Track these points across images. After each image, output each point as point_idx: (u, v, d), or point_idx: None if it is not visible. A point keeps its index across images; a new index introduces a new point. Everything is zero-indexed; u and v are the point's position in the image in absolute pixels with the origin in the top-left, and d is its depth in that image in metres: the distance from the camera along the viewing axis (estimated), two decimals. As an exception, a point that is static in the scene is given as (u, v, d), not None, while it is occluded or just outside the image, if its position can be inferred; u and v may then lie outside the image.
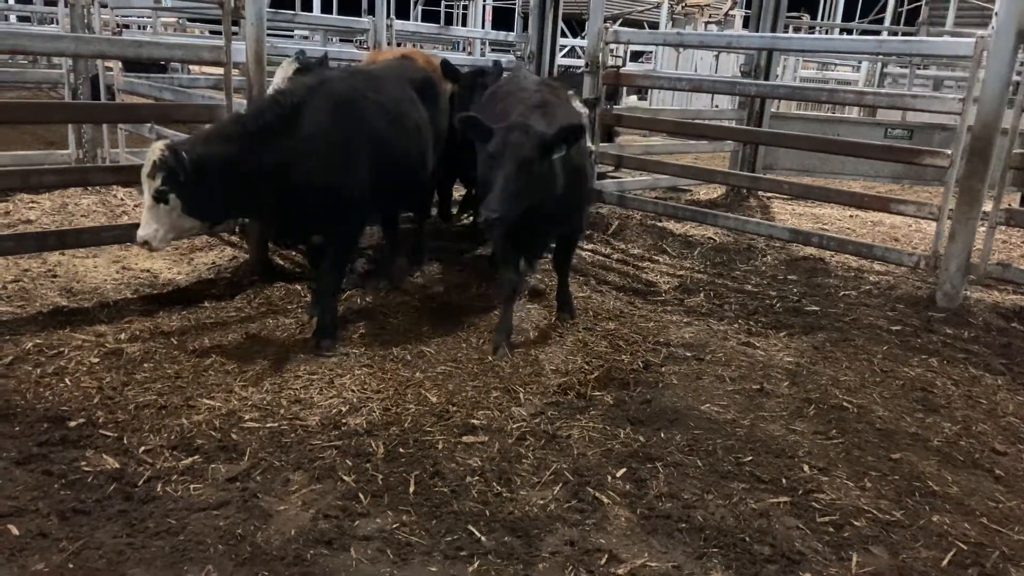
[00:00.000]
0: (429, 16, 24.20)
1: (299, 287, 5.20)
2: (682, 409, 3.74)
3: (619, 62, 7.63)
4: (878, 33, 18.24)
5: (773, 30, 8.69)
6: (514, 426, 3.53)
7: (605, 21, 6.91)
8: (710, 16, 15.44)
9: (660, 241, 7.03)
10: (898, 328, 5.00)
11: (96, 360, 3.97)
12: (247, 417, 3.51)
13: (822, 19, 21.63)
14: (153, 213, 3.88)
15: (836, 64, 16.67)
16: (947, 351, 4.65)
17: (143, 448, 3.21)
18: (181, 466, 3.10)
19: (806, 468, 3.18)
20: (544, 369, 4.18)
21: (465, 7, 21.18)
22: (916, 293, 5.69)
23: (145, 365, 3.97)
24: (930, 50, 6.68)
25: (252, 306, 4.88)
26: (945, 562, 2.62)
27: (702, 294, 5.64)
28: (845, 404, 3.81)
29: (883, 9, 24.60)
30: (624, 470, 3.17)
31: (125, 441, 3.26)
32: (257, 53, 4.99)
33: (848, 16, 22.79)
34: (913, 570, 2.57)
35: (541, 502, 2.95)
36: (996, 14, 5.27)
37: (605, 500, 2.97)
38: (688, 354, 4.48)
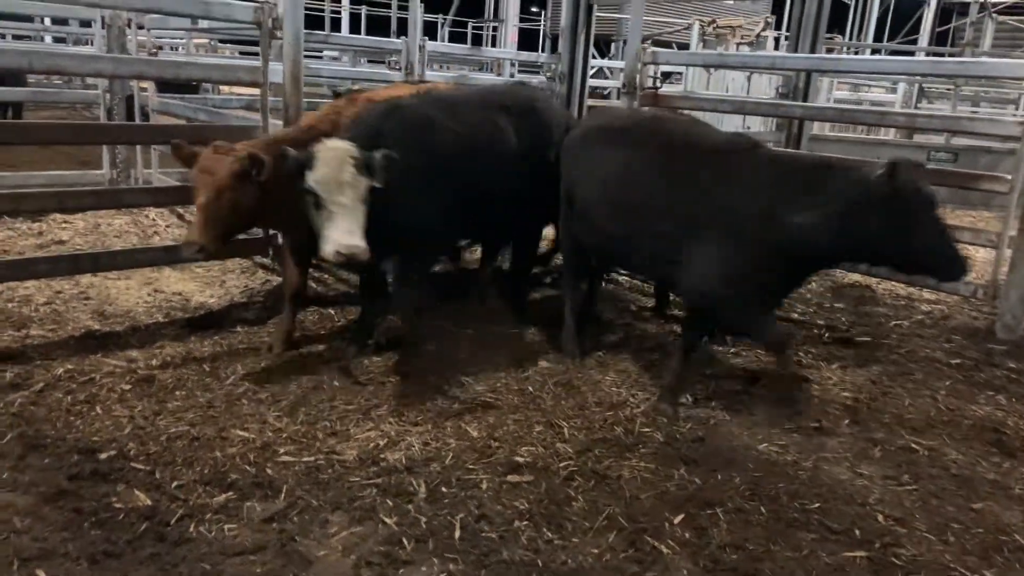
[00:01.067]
0: (456, 38, 24.31)
1: (332, 311, 5.07)
2: (738, 448, 3.54)
3: (653, 83, 7.50)
4: (911, 54, 17.98)
5: (812, 51, 8.51)
6: (561, 465, 3.34)
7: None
8: (742, 37, 15.24)
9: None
10: (958, 361, 4.75)
11: (128, 387, 3.85)
12: (282, 451, 3.37)
13: (849, 39, 21.39)
14: (355, 217, 3.63)
15: (870, 85, 16.41)
16: (1014, 387, 4.40)
17: (175, 483, 3.07)
18: (215, 503, 2.96)
19: (880, 518, 2.96)
20: (587, 401, 4.00)
21: (494, 29, 21.22)
22: (973, 324, 5.44)
23: (177, 393, 3.85)
24: (989, 72, 6.45)
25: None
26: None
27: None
28: (913, 446, 3.58)
29: (913, 30, 24.34)
30: (682, 516, 2.97)
31: (157, 475, 3.12)
32: (294, 74, 4.90)
33: (878, 37, 22.52)
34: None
35: (596, 551, 2.76)
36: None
37: (664, 550, 2.77)
38: (738, 387, 4.28)
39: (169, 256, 4.93)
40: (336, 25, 22.05)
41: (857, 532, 2.85)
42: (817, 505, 3.04)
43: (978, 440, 3.70)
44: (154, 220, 7.15)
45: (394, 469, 3.26)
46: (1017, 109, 13.41)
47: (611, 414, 3.86)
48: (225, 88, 12.24)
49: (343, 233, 3.56)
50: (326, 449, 3.40)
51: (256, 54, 4.97)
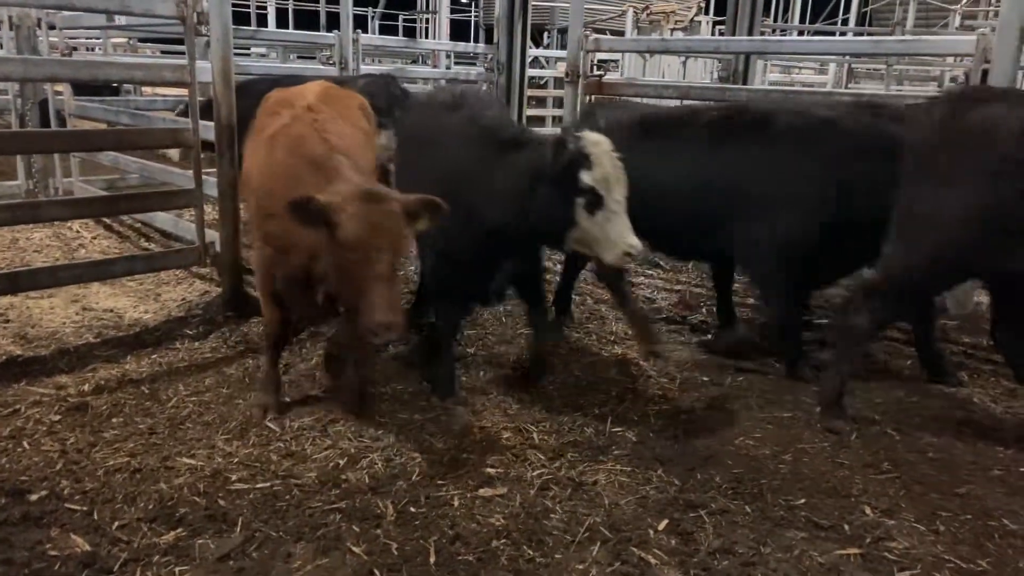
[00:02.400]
0: (386, 30, 23.84)
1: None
2: (714, 444, 3.44)
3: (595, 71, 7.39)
4: (836, 34, 18.37)
5: (749, 34, 8.53)
6: (534, 474, 3.18)
7: (564, 32, 6.65)
8: (675, 23, 15.32)
9: (651, 254, 6.75)
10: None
11: (58, 418, 3.53)
12: (234, 477, 3.12)
13: (774, 21, 21.75)
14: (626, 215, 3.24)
15: (800, 67, 16.69)
16: (972, 363, 4.44)
17: (117, 523, 2.80)
18: (163, 543, 2.70)
19: (868, 510, 2.88)
20: (555, 403, 3.85)
21: (426, 20, 20.84)
22: (924, 300, 5.47)
23: (114, 420, 3.55)
24: (931, 49, 6.54)
25: (229, 345, 4.47)
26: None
27: (704, 310, 5.36)
28: (889, 431, 3.54)
29: (834, 12, 24.91)
30: (666, 522, 2.84)
31: (96, 516, 2.84)
32: (224, 72, 4.59)
33: (800, 19, 22.95)
34: (1016, 631, 2.30)
35: (581, 567, 2.60)
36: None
37: (652, 560, 2.63)
38: (705, 378, 4.19)
39: (98, 271, 4.58)
40: (262, 20, 21.32)
41: (846, 527, 2.77)
42: (803, 500, 2.95)
43: (949, 420, 3.69)
44: (78, 232, 6.71)
45: (358, 490, 3.05)
46: (940, 87, 13.80)
47: (579, 415, 3.71)
48: (148, 89, 11.67)
49: (627, 232, 3.22)
50: (282, 473, 3.16)
51: (180, 53, 4.65)
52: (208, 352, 4.36)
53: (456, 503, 2.97)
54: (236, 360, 4.25)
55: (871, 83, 13.37)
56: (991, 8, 17.31)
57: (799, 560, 2.61)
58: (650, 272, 6.32)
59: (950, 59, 11.66)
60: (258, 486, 3.06)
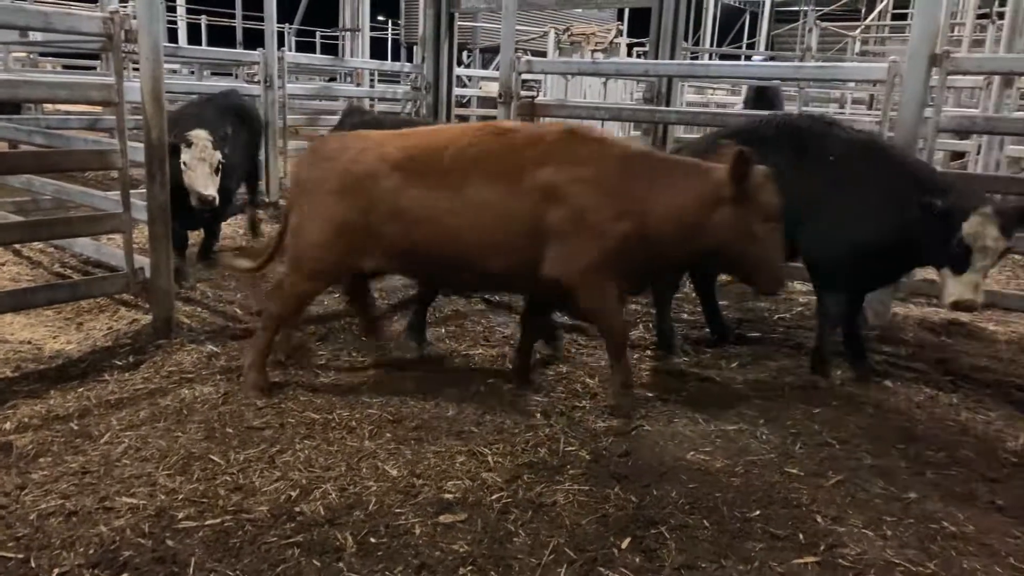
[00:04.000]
0: (304, 48, 23.49)
1: (214, 348, 4.62)
2: (667, 460, 3.50)
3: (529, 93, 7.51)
4: (744, 57, 19.23)
5: (672, 58, 8.81)
6: (493, 497, 3.17)
7: (485, 51, 6.75)
8: (596, 45, 15.68)
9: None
10: (842, 350, 4.99)
11: (-22, 460, 3.30)
12: (181, 515, 2.98)
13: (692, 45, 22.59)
14: None
15: (714, 89, 17.36)
16: (896, 371, 4.68)
17: (57, 571, 2.64)
18: (109, 590, 2.55)
19: (819, 519, 2.99)
20: (506, 424, 3.85)
21: (344, 38, 20.60)
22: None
23: (42, 460, 3.35)
24: (847, 75, 6.93)
25: (161, 375, 4.29)
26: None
27: (640, 325, 5.48)
28: (829, 440, 3.69)
29: (738, 36, 26.11)
30: (629, 540, 2.87)
31: (33, 563, 2.67)
32: (154, 91, 4.42)
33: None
34: (966, 629, 2.43)
35: (550, 590, 2.61)
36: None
37: (619, 579, 2.66)
38: (649, 394, 4.27)
39: (16, 300, 4.31)
40: (172, 36, 20.67)
41: (801, 536, 2.87)
42: (758, 512, 3.04)
43: (882, 427, 3.88)
44: (-13, 258, 6.31)
45: (314, 522, 2.96)
46: (841, 107, 14.58)
47: (532, 435, 3.73)
48: (49, 106, 11.07)
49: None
50: (232, 508, 3.04)
51: (83, 68, 4.45)
52: (140, 383, 4.17)
53: (417, 531, 2.92)
54: (171, 391, 4.07)
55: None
56: (885, 36, 18.48)
57: (760, 571, 2.68)
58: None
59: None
60: (207, 523, 2.93)
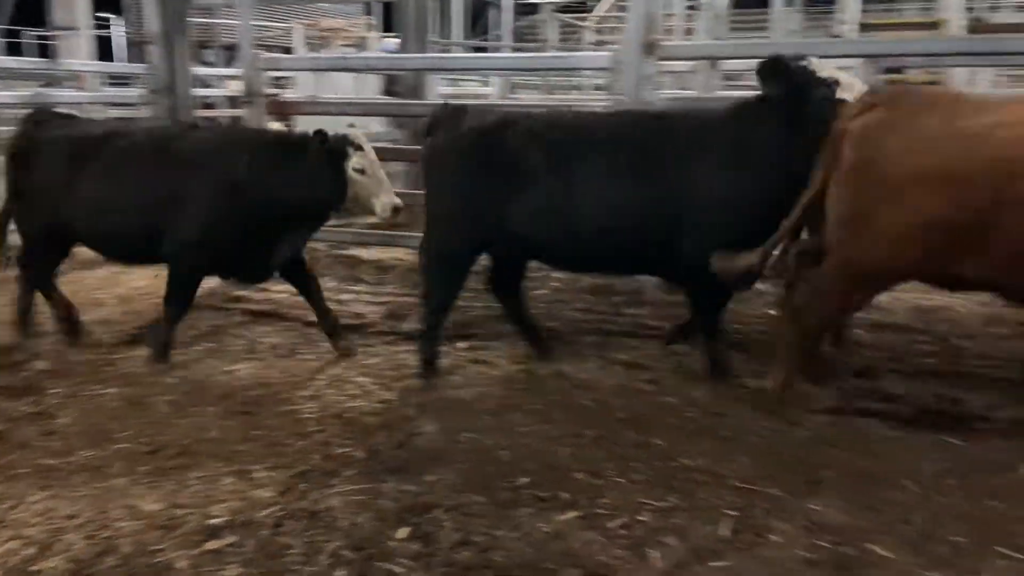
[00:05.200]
0: (12, 50, 20.69)
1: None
2: (441, 444, 3.58)
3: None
4: (491, 49, 19.96)
5: (421, 51, 8.95)
6: (264, 514, 3.04)
7: (230, 48, 6.48)
8: (345, 39, 15.41)
9: (353, 270, 6.78)
10: (593, 316, 5.39)
11: None
12: None
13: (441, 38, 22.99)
14: None
15: (465, 80, 17.85)
16: (641, 331, 5.12)
17: None
18: None
19: (579, 475, 3.22)
20: (276, 437, 3.71)
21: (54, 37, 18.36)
22: (595, 281, 6.11)
23: None
24: (577, 64, 7.49)
25: None
26: (727, 532, 2.82)
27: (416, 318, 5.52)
28: (583, 402, 3.97)
29: (487, 29, 27.00)
30: (407, 529, 2.90)
31: None
32: None
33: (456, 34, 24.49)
34: (704, 549, 2.73)
35: (327, 595, 2.56)
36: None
37: (397, 569, 2.67)
38: (423, 382, 4.34)
39: None
40: None
41: (565, 495, 3.07)
42: (526, 480, 3.19)
43: (628, 380, 4.26)
44: None
45: (58, 580, 2.66)
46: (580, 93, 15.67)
47: (304, 443, 3.63)
48: None
49: None
50: (-50, 584, 2.64)
51: None
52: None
53: (181, 564, 2.73)
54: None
55: (529, 93, 14.75)
56: (618, 26, 20.08)
57: (530, 535, 2.83)
58: (355, 288, 6.33)
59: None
60: (-83, 608, 2.53)
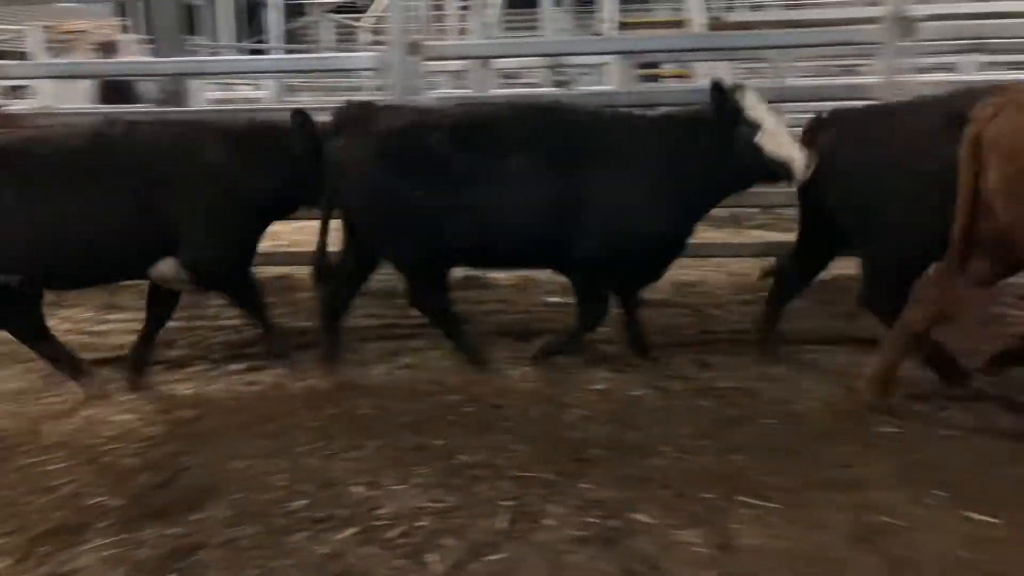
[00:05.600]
0: None
1: None
2: (211, 475, 3.33)
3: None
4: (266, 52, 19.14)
5: (177, 54, 8.32)
6: (-5, 591, 2.66)
7: None
8: (92, 44, 13.99)
9: (112, 297, 6.17)
10: (377, 321, 5.31)
11: None
12: None
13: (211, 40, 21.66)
14: None
15: (237, 84, 16.92)
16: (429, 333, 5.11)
17: None
18: None
19: (358, 489, 3.12)
20: (12, 495, 3.26)
21: None
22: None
23: None
24: (345, 65, 7.36)
25: None
26: (505, 524, 2.86)
27: (184, 342, 5.14)
28: (366, 412, 3.88)
29: (257, 29, 25.89)
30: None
31: None
32: None
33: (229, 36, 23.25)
34: (482, 544, 2.75)
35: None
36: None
37: (156, 625, 2.45)
38: (192, 413, 4.03)
39: None
40: None
41: (342, 512, 2.97)
42: (303, 503, 3.05)
43: (411, 381, 4.25)
44: None
45: None
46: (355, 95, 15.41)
47: (48, 499, 3.22)
48: None
49: None
50: None
51: None
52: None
53: None
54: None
55: (306, 95, 14.28)
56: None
57: (306, 561, 2.71)
58: (111, 316, 5.78)
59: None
60: None
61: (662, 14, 18.89)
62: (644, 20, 16.84)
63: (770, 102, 4.08)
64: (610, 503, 2.93)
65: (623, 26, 14.47)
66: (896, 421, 3.62)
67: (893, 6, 5.41)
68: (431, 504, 2.97)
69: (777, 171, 3.96)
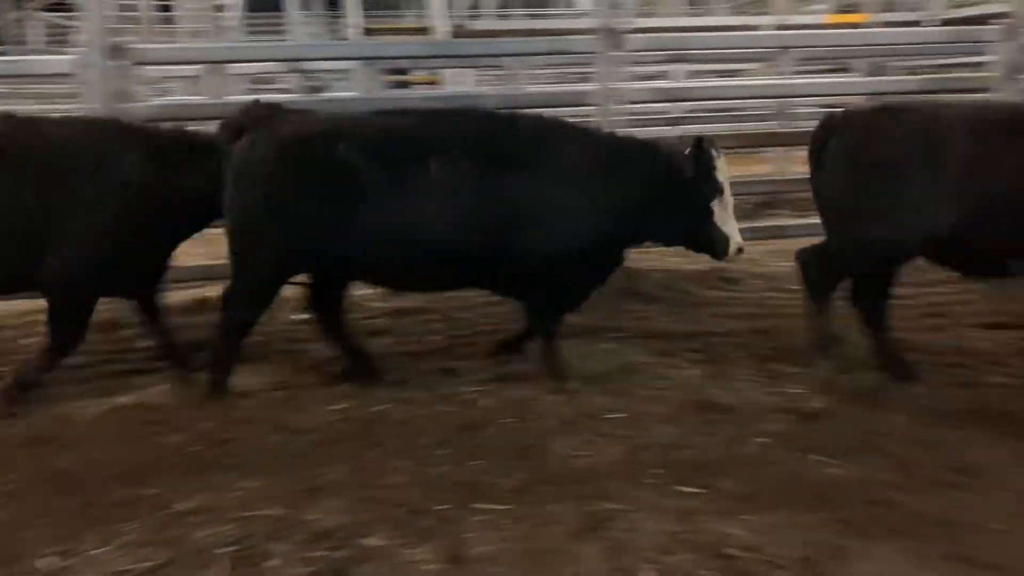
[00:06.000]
0: None
1: None
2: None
3: None
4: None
5: None
6: None
7: None
8: None
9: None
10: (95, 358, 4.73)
11: None
12: None
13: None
14: None
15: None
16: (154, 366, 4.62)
17: None
18: None
19: (49, 560, 2.68)
20: None
21: None
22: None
23: None
24: (37, 69, 6.47)
25: None
26: (223, 573, 2.61)
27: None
28: (64, 465, 3.38)
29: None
30: None
31: None
32: None
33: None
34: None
35: None
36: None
37: None
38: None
39: None
40: None
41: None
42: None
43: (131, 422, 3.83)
44: None
45: None
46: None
47: None
48: None
49: None
50: None
51: None
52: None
53: None
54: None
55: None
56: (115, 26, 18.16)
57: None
58: None
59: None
60: None
61: (409, 20, 19.00)
62: (390, 26, 16.80)
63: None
64: (339, 532, 2.77)
65: (368, 32, 14.30)
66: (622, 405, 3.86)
67: (603, 19, 5.81)
68: (136, 566, 2.62)
69: (711, 238, 4.09)
